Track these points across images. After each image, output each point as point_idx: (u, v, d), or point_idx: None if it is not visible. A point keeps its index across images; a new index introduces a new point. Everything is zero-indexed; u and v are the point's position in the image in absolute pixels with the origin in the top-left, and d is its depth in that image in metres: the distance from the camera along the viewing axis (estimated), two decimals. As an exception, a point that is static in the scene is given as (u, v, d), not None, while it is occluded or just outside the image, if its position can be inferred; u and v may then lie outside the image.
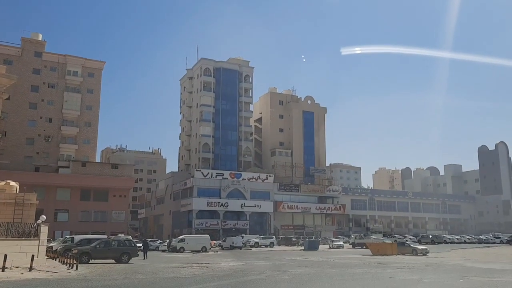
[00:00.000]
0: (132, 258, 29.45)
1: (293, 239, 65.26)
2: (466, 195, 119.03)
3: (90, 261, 27.91)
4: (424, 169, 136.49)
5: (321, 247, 53.32)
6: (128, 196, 72.05)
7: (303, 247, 53.12)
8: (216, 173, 77.14)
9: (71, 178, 65.73)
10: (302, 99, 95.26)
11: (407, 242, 43.56)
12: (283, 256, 36.86)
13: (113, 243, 29.71)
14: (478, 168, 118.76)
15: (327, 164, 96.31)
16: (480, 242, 66.91)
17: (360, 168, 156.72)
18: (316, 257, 35.34)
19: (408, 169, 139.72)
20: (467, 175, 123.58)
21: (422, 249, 40.01)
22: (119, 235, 51.97)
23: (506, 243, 60.77)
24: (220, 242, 57.15)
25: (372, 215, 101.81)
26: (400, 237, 64.02)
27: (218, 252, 46.64)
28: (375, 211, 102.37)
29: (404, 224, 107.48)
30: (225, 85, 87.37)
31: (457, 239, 67.34)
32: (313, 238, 60.89)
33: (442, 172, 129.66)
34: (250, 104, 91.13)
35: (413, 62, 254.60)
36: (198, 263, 28.69)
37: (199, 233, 61.94)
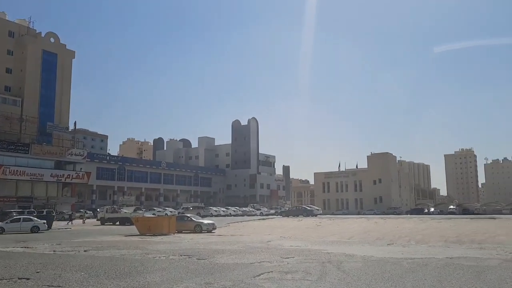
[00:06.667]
0: None
1: (15, 214, 47.06)
2: (217, 168, 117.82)
3: None
4: (178, 140, 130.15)
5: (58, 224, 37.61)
6: None
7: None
8: None
9: None
10: (43, 35, 73.06)
11: (187, 215, 32.17)
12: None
13: None
14: (231, 142, 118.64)
15: (71, 122, 77.05)
16: (243, 214, 62.91)
17: (107, 137, 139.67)
18: (49, 244, 19.87)
19: (161, 139, 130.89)
20: (219, 149, 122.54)
21: (207, 223, 29.22)
22: None
23: (277, 215, 56.97)
24: None
25: (121, 187, 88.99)
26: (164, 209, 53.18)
27: None
28: (124, 182, 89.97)
29: (155, 196, 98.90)
30: None
31: (223, 211, 61.47)
32: (44, 213, 44.94)
33: (195, 145, 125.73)
34: (-39, 27, 64.15)
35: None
36: None
37: None
